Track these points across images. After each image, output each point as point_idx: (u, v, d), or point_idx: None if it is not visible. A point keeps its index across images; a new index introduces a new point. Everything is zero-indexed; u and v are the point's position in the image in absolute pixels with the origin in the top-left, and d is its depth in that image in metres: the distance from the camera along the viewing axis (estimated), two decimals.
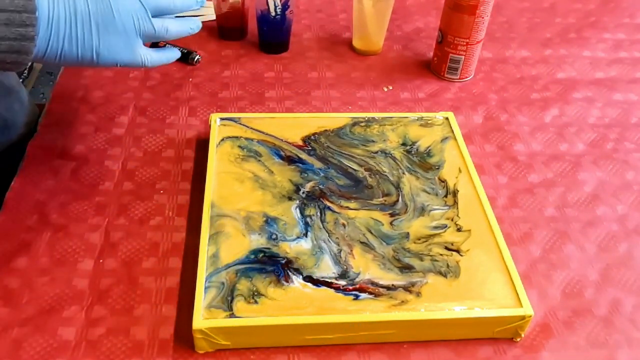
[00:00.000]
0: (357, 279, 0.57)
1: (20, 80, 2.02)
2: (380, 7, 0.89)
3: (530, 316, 0.55)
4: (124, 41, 0.54)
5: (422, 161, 0.70)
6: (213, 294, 0.55)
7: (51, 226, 0.64)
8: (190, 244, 0.63)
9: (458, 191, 0.67)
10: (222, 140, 0.70)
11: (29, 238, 0.63)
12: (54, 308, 0.57)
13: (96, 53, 0.53)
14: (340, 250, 0.60)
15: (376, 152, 0.71)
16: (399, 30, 1.00)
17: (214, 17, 0.95)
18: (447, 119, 0.76)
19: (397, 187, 0.67)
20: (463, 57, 0.87)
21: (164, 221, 0.65)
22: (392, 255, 0.60)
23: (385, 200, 0.65)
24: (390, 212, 0.64)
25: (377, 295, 0.56)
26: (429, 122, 0.76)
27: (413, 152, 0.71)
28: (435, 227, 0.63)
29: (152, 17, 0.56)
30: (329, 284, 0.57)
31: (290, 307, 0.55)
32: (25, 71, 2.06)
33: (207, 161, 0.67)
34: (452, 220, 0.64)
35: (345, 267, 0.58)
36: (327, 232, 0.61)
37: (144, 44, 0.57)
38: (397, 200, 0.65)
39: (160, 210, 0.66)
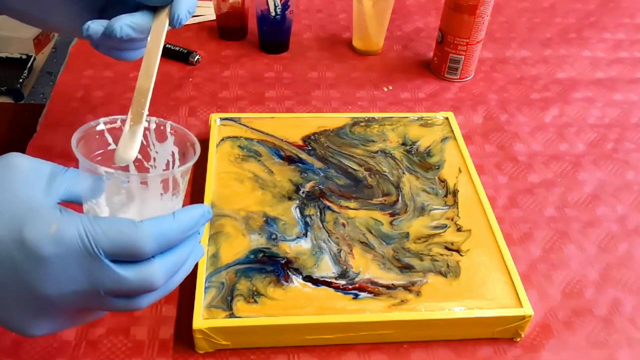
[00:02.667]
0: (356, 279, 0.57)
1: (21, 80, 2.00)
2: (380, 7, 0.89)
3: (530, 316, 0.55)
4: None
5: (422, 161, 0.70)
6: (213, 294, 0.55)
7: None
8: None
9: (458, 191, 0.67)
10: (222, 140, 0.70)
11: None
12: None
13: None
14: (340, 250, 0.60)
15: (376, 152, 0.71)
16: (399, 30, 1.00)
17: (214, 17, 0.95)
18: (447, 119, 0.76)
19: (397, 187, 0.67)
20: (463, 57, 0.87)
21: None
22: (392, 255, 0.60)
23: (385, 200, 0.65)
24: (390, 212, 0.64)
25: (376, 294, 0.56)
26: (429, 122, 0.76)
27: (413, 152, 0.71)
28: (435, 227, 0.63)
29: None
30: (328, 284, 0.57)
31: (290, 306, 0.55)
32: (25, 71, 2.06)
33: (207, 161, 0.67)
34: (452, 220, 0.64)
35: (345, 267, 0.58)
36: (326, 232, 0.61)
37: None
38: (397, 200, 0.65)
39: None
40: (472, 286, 0.57)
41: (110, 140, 0.42)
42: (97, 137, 0.42)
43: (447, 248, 0.61)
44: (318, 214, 0.63)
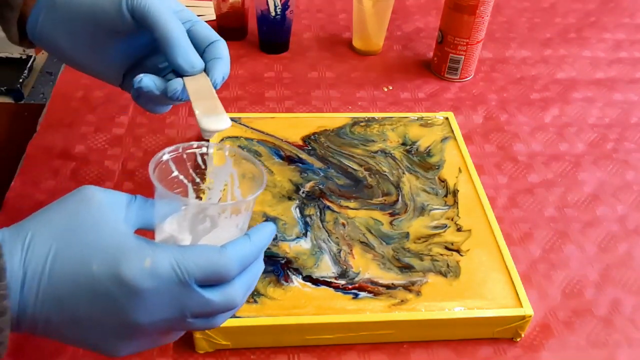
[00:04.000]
0: (356, 279, 0.57)
1: (21, 80, 2.00)
2: (380, 7, 0.89)
3: (530, 316, 0.55)
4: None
5: (422, 161, 0.70)
6: None
7: None
8: None
9: (458, 191, 0.67)
10: (222, 140, 0.70)
11: None
12: None
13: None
14: (340, 250, 0.60)
15: (376, 152, 0.71)
16: (399, 30, 1.00)
17: (214, 17, 0.95)
18: (447, 119, 0.76)
19: (397, 187, 0.67)
20: (463, 57, 0.87)
21: None
22: (392, 255, 0.60)
23: (385, 200, 0.65)
24: (390, 211, 0.64)
25: (376, 294, 0.56)
26: (429, 122, 0.76)
27: (413, 152, 0.71)
28: (435, 227, 0.63)
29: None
30: (328, 284, 0.57)
31: (290, 306, 0.55)
32: (26, 71, 2.06)
33: None
34: (452, 220, 0.64)
35: (344, 266, 0.58)
36: (326, 231, 0.61)
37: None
38: (397, 200, 0.65)
39: None
40: (472, 286, 0.57)
41: (173, 168, 0.44)
42: (163, 166, 0.44)
43: (447, 248, 0.61)
44: (318, 214, 0.63)
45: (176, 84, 0.48)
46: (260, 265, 0.44)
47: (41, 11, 0.51)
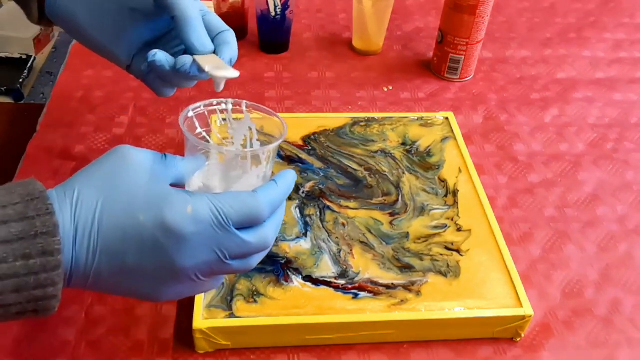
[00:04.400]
0: (356, 278, 0.57)
1: (21, 80, 2.00)
2: (380, 7, 0.89)
3: (530, 316, 0.55)
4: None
5: (422, 161, 0.70)
6: (213, 293, 0.55)
7: None
8: None
9: (458, 191, 0.67)
10: None
11: None
12: None
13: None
14: (340, 250, 0.60)
15: (376, 152, 0.71)
16: (399, 30, 1.00)
17: None
18: (447, 119, 0.76)
19: (397, 187, 0.67)
20: (463, 57, 0.87)
21: None
22: (392, 255, 0.60)
23: (385, 200, 0.65)
24: (390, 211, 0.64)
25: (376, 294, 0.56)
26: (429, 122, 0.76)
27: (413, 152, 0.71)
28: (435, 227, 0.63)
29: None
30: (328, 283, 0.57)
31: (289, 306, 0.55)
32: (25, 71, 2.06)
33: None
34: (452, 220, 0.64)
35: (344, 266, 0.58)
36: (326, 231, 0.61)
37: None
38: (397, 200, 0.65)
39: None
40: (472, 286, 0.57)
41: (197, 124, 0.48)
42: (190, 123, 0.47)
43: (447, 248, 0.61)
44: (318, 213, 0.63)
45: (186, 58, 0.50)
46: (283, 210, 0.46)
47: None
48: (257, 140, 0.49)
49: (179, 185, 0.44)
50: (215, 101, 0.48)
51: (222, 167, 0.46)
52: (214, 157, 0.46)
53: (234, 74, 0.48)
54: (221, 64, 0.50)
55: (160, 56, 0.50)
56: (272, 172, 0.48)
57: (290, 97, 0.84)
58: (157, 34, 0.55)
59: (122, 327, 0.56)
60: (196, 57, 0.50)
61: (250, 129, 0.49)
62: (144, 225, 0.40)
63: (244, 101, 0.49)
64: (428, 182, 0.68)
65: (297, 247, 0.60)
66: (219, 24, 0.54)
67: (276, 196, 0.44)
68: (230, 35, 0.53)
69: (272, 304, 0.55)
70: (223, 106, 0.48)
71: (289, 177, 0.46)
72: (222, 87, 0.49)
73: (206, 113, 0.48)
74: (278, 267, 0.58)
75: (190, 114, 0.47)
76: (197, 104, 0.48)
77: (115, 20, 0.53)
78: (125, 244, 0.40)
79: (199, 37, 0.50)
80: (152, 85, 0.56)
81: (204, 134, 0.48)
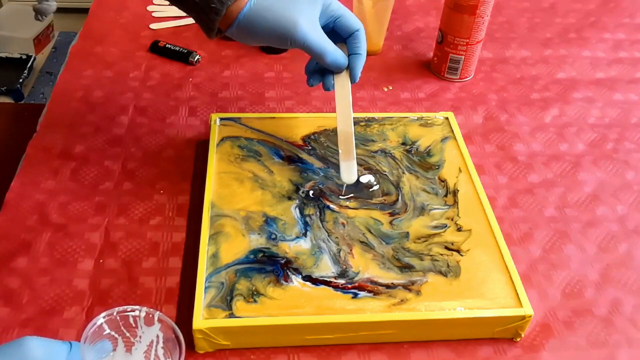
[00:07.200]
0: (356, 278, 0.57)
1: (21, 80, 2.00)
2: (380, 7, 0.89)
3: (530, 316, 0.55)
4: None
5: (422, 161, 0.70)
6: (213, 293, 0.55)
7: (51, 226, 0.64)
8: (190, 244, 0.63)
9: (458, 191, 0.67)
10: (222, 140, 0.70)
11: (29, 238, 0.63)
12: (55, 309, 0.57)
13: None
14: (340, 250, 0.60)
15: (376, 152, 0.71)
16: (399, 30, 1.00)
17: None
18: (447, 119, 0.76)
19: (397, 187, 0.67)
20: (463, 57, 0.87)
21: (164, 221, 0.65)
22: (392, 255, 0.60)
23: (385, 200, 0.65)
24: (390, 211, 0.64)
25: (376, 293, 0.56)
26: (429, 122, 0.76)
27: (413, 152, 0.71)
28: (435, 227, 0.63)
29: None
30: (327, 283, 0.57)
31: (289, 306, 0.55)
32: (25, 71, 2.06)
33: (207, 161, 0.67)
34: (452, 220, 0.64)
35: (344, 266, 0.58)
36: (326, 231, 0.61)
37: None
38: (397, 200, 0.65)
39: (160, 210, 0.66)
40: (472, 286, 0.57)
41: (106, 328, 0.49)
42: (97, 329, 0.49)
43: (447, 248, 0.61)
44: (318, 213, 0.63)
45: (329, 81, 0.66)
46: None
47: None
48: (162, 347, 0.50)
49: None
50: (129, 308, 0.49)
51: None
52: (120, 347, 0.49)
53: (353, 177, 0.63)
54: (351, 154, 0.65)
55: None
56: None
57: (290, 97, 0.84)
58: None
59: None
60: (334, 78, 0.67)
61: (158, 336, 0.50)
62: None
63: (157, 312, 0.49)
64: (428, 182, 0.68)
65: (297, 247, 0.60)
66: (351, 24, 0.63)
67: None
68: (360, 38, 0.66)
69: (272, 303, 0.55)
70: (136, 312, 0.50)
71: None
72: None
73: (118, 318, 0.49)
74: (278, 267, 0.58)
75: (100, 321, 0.48)
76: (110, 311, 0.49)
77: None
78: None
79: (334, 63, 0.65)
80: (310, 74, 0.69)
81: (113, 333, 0.50)
